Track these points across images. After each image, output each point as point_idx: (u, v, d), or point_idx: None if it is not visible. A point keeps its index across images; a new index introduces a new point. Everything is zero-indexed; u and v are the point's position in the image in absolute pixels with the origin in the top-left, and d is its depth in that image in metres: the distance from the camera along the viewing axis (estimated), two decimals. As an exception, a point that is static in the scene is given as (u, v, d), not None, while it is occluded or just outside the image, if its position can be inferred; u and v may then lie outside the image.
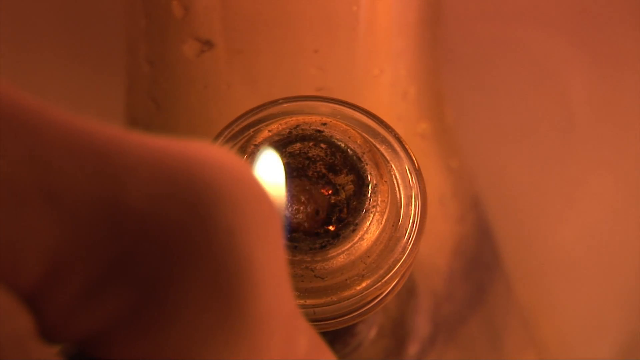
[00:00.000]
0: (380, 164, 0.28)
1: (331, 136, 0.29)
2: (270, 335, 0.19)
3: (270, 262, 0.19)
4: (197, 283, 0.18)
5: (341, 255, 0.28)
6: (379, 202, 0.28)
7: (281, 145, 0.29)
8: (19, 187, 0.17)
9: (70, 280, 0.18)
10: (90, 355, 0.19)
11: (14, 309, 0.18)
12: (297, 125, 0.29)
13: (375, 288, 0.28)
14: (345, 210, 0.28)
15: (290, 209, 0.28)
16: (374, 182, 0.28)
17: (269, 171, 0.28)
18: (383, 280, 0.28)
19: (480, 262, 0.42)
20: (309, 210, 0.28)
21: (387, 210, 0.28)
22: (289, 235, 0.28)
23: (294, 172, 0.29)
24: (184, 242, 0.18)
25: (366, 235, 0.28)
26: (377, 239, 0.28)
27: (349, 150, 0.29)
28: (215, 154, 0.19)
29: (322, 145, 0.29)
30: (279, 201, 0.28)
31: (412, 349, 0.39)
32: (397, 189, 0.29)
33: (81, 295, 0.18)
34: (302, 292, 0.28)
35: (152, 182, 0.18)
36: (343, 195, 0.28)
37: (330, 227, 0.28)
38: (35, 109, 0.18)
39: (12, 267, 0.18)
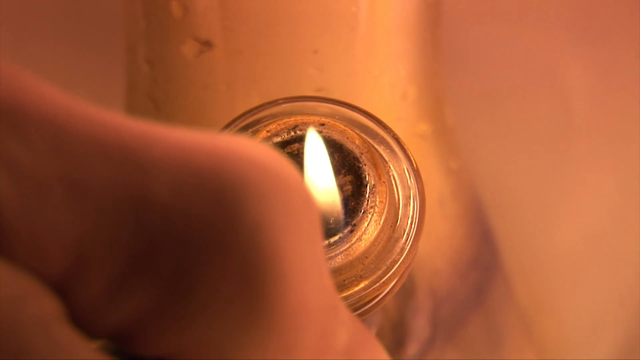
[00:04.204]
0: (379, 164, 0.28)
1: (329, 137, 0.29)
2: (302, 330, 0.19)
3: (301, 255, 0.19)
4: (223, 277, 0.18)
5: (339, 256, 0.28)
6: (377, 203, 0.28)
7: (280, 145, 0.29)
8: (43, 178, 0.17)
9: (97, 272, 0.18)
10: (128, 351, 0.19)
11: (38, 292, 0.18)
12: (296, 126, 0.29)
13: (373, 289, 0.28)
14: (343, 210, 0.28)
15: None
16: (372, 182, 0.28)
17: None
18: (381, 281, 0.28)
19: (480, 263, 0.42)
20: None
21: (385, 210, 0.28)
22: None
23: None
24: (209, 235, 0.18)
25: (364, 236, 0.28)
26: (376, 239, 0.28)
27: (347, 150, 0.29)
28: (244, 146, 0.19)
29: (321, 146, 0.29)
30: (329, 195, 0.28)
31: (411, 349, 0.39)
32: (395, 189, 0.29)
33: (109, 288, 0.18)
34: (300, 292, 0.28)
35: (178, 175, 0.18)
36: (341, 195, 0.29)
37: (328, 228, 0.28)
38: (60, 101, 0.18)
39: (37, 255, 0.18)
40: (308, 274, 0.19)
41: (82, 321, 0.19)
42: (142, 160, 0.18)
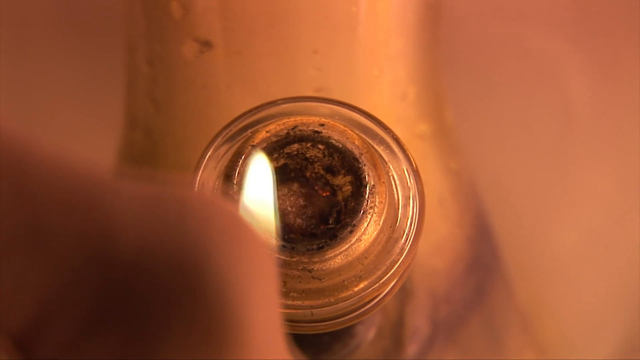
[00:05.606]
0: (378, 165, 0.28)
1: (329, 137, 0.29)
2: None
3: (260, 308, 0.19)
4: (185, 333, 0.18)
5: (339, 257, 0.28)
6: (376, 203, 0.28)
7: (279, 146, 0.29)
8: (8, 225, 0.17)
9: (59, 327, 0.18)
10: None
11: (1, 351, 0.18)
12: (295, 126, 0.29)
13: (373, 289, 0.28)
14: (342, 211, 0.28)
15: (288, 211, 0.28)
16: (372, 183, 0.28)
17: (259, 183, 0.28)
18: (381, 282, 0.28)
19: (480, 263, 0.42)
20: (306, 211, 0.28)
21: (384, 211, 0.28)
22: (286, 237, 0.28)
23: (292, 173, 0.29)
24: (171, 293, 0.18)
25: (364, 237, 0.28)
26: (375, 240, 0.28)
27: (346, 151, 0.29)
28: (204, 202, 0.19)
29: (320, 146, 0.29)
30: (269, 226, 0.28)
31: (411, 349, 0.39)
32: (394, 190, 0.29)
33: (69, 342, 0.18)
34: (299, 293, 0.28)
35: (141, 231, 0.18)
36: (341, 196, 0.29)
37: (328, 228, 0.28)
38: (24, 147, 0.18)
39: (1, 311, 0.17)
40: (267, 335, 0.19)
41: None
42: (105, 214, 0.18)
